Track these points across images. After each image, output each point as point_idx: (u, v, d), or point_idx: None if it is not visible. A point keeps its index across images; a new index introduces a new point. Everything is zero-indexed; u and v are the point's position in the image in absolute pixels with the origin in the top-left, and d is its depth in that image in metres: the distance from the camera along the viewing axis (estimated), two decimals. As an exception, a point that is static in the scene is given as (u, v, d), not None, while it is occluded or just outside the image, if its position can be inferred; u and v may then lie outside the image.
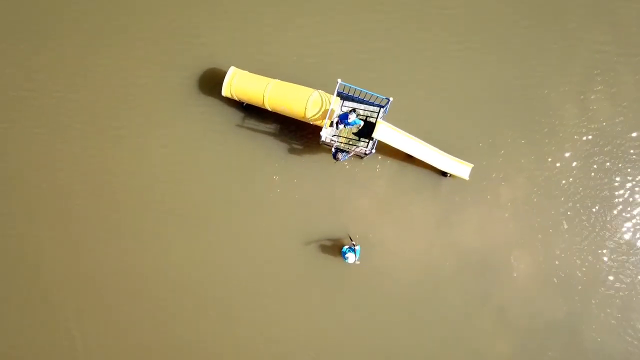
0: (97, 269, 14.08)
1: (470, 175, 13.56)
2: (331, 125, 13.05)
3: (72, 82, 14.49)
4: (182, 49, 14.43)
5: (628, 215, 13.58)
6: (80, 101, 14.43)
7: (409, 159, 13.67)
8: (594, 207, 13.64)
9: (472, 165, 13.53)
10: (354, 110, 12.72)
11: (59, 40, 14.60)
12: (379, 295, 13.53)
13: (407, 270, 13.60)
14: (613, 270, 13.44)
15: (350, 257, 12.65)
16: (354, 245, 12.84)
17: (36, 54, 14.58)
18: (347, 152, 13.03)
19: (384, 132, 12.79)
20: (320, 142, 13.47)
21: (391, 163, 13.84)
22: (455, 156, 13.37)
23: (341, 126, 12.99)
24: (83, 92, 14.45)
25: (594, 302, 13.36)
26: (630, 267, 13.39)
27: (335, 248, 13.56)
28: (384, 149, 13.39)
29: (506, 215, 13.69)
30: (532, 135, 13.85)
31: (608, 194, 13.64)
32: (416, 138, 13.00)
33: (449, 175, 13.66)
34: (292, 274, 13.74)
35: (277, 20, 14.41)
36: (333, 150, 13.11)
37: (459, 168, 13.50)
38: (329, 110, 12.56)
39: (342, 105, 13.18)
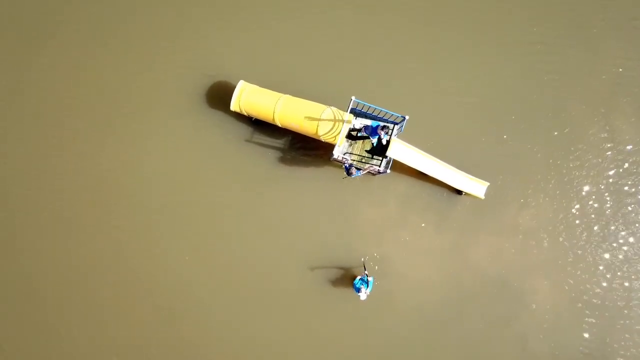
0: (98, 281, 13.57)
1: (486, 194, 13.20)
2: (349, 136, 12.66)
3: (76, 93, 14.08)
4: (189, 62, 14.02)
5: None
6: (82, 111, 14.00)
7: (421, 176, 13.27)
8: (622, 235, 13.26)
9: (487, 183, 13.17)
10: (385, 127, 12.14)
11: (62, 47, 14.21)
12: (391, 320, 13.11)
13: (419, 294, 13.19)
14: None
15: (362, 294, 11.86)
16: (367, 276, 12.22)
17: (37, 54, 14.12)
18: (360, 170, 12.67)
19: (398, 150, 12.43)
20: (331, 159, 13.13)
21: (403, 180, 13.43)
22: (470, 174, 13.01)
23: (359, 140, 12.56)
24: (84, 101, 14.03)
25: (622, 331, 13.00)
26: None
27: (347, 275, 13.07)
28: (396, 166, 12.99)
29: (524, 237, 13.30)
30: (554, 154, 13.51)
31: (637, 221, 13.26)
32: (430, 155, 12.65)
33: (463, 193, 13.30)
34: (299, 299, 13.26)
35: (289, 33, 14.02)
36: (346, 164, 12.74)
37: (474, 186, 13.14)
38: (342, 129, 12.18)
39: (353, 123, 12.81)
